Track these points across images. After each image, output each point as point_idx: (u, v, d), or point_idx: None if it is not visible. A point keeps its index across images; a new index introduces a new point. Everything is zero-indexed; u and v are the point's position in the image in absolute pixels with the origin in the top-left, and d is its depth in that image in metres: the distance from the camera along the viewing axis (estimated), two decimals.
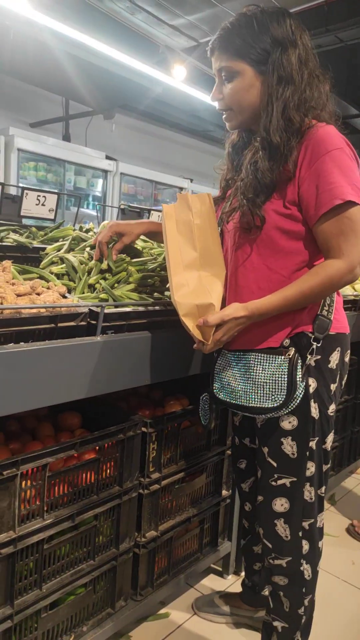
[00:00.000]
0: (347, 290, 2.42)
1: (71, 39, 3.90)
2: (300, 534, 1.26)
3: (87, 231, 1.86)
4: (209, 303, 1.12)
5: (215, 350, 1.28)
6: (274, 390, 1.16)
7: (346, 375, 1.31)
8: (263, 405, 1.17)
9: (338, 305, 1.26)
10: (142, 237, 1.94)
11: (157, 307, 1.35)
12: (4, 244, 1.64)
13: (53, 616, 1.23)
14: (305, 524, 1.26)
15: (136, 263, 1.52)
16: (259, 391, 1.17)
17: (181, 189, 7.22)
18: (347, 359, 1.28)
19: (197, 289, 1.14)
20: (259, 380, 1.18)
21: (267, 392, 1.16)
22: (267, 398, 1.16)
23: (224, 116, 1.24)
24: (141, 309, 1.31)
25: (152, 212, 2.70)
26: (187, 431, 1.54)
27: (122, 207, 2.65)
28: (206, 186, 7.08)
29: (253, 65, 1.14)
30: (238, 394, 1.21)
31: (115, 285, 1.43)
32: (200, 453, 1.60)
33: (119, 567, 1.38)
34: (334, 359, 1.23)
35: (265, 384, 1.17)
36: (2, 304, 1.09)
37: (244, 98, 1.18)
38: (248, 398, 1.19)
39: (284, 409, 1.16)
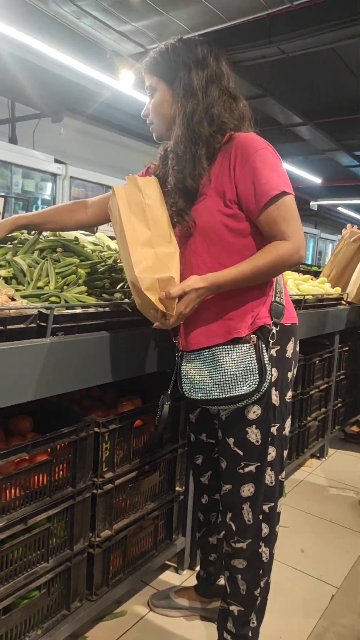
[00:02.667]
0: (292, 290, 2.52)
1: (16, 41, 3.85)
2: (260, 517, 1.33)
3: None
4: (169, 276, 1.16)
5: (177, 354, 1.33)
6: (246, 376, 1.22)
7: (297, 364, 1.41)
8: (240, 393, 1.23)
9: (286, 296, 1.36)
10: (92, 240, 1.95)
11: (107, 309, 1.37)
12: None
13: (6, 621, 1.22)
14: (265, 508, 1.33)
15: (86, 265, 1.53)
16: (233, 380, 1.23)
17: None
18: (297, 348, 1.39)
19: (156, 265, 1.18)
20: (231, 370, 1.23)
21: (241, 379, 1.22)
22: (243, 385, 1.22)
23: (150, 128, 1.37)
24: (91, 310, 1.33)
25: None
26: (140, 430, 1.57)
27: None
28: None
29: (167, 83, 1.28)
30: (212, 389, 1.26)
31: (65, 287, 1.44)
32: (153, 451, 1.63)
33: (73, 568, 1.39)
34: (290, 348, 1.33)
35: (237, 372, 1.23)
36: None
37: (159, 112, 1.31)
38: (223, 390, 1.24)
39: (257, 393, 1.23)
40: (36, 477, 1.26)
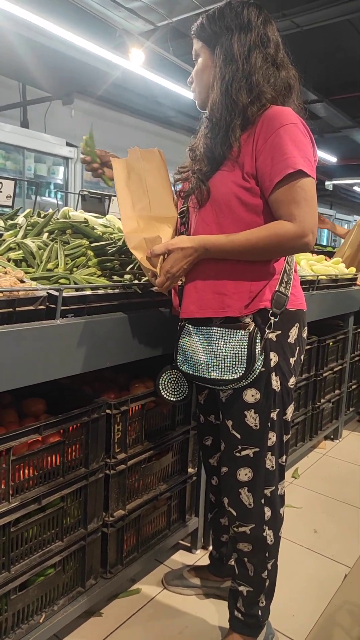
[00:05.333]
0: (305, 271, 2.49)
1: (25, 21, 3.79)
2: (262, 501, 1.32)
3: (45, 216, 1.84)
4: (155, 236, 1.17)
5: (179, 325, 1.32)
6: (234, 362, 1.20)
7: (304, 350, 1.38)
8: (223, 377, 1.21)
9: (296, 282, 1.32)
10: (102, 222, 1.94)
11: (116, 290, 1.37)
12: None
13: (23, 597, 1.25)
14: (267, 492, 1.32)
15: (95, 247, 1.52)
16: (220, 364, 1.22)
17: None
18: (304, 334, 1.35)
19: (147, 227, 1.20)
20: (221, 353, 1.22)
21: (228, 364, 1.21)
22: (228, 370, 1.21)
23: (193, 96, 1.34)
24: (100, 291, 1.32)
25: (112, 198, 2.68)
26: (152, 412, 1.57)
27: (82, 193, 2.62)
28: (169, 171, 7.06)
29: (209, 48, 1.24)
30: (201, 367, 1.25)
31: (75, 269, 1.43)
32: (165, 432, 1.64)
33: (87, 546, 1.41)
34: (293, 334, 1.29)
35: (226, 357, 1.21)
36: None
37: (201, 78, 1.28)
38: (209, 370, 1.23)
39: (243, 381, 1.21)
40: (49, 458, 1.28)
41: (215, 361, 1.23)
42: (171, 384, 1.37)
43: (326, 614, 1.61)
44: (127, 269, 1.51)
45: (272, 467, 1.31)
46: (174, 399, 1.38)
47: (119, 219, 2.10)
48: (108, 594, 1.54)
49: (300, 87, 1.28)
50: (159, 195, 1.24)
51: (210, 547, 1.72)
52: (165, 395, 1.37)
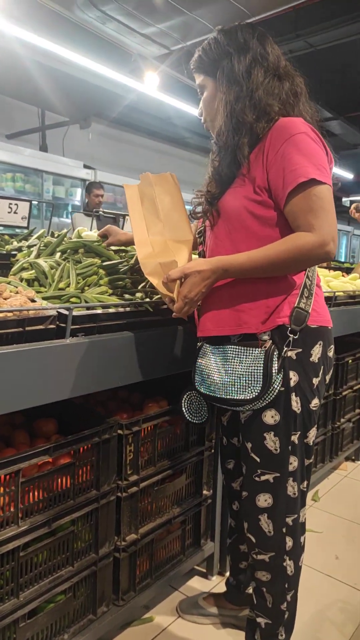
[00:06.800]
0: (323, 287, 2.44)
1: (43, 49, 3.92)
2: (283, 530, 1.26)
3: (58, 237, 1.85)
4: (171, 260, 1.14)
5: (197, 345, 1.30)
6: (249, 382, 1.17)
7: (331, 371, 1.31)
8: (239, 397, 1.18)
9: (319, 298, 1.27)
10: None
11: (128, 309, 1.35)
12: None
13: (32, 625, 1.22)
14: (289, 520, 1.26)
15: (107, 266, 1.52)
16: (236, 383, 1.18)
17: None
18: (330, 353, 1.28)
19: (162, 252, 1.17)
20: (237, 372, 1.19)
21: (244, 384, 1.17)
22: (244, 390, 1.17)
23: (205, 126, 1.33)
24: (111, 310, 1.31)
25: (127, 217, 2.70)
26: (165, 432, 1.54)
27: (97, 213, 2.65)
28: (185, 192, 7.13)
29: (212, 78, 1.25)
30: (216, 387, 1.23)
31: (86, 288, 1.43)
32: (179, 454, 1.60)
33: (99, 572, 1.37)
34: (316, 352, 1.22)
35: (242, 376, 1.18)
36: None
37: (211, 107, 1.28)
38: (226, 390, 1.20)
39: (260, 401, 1.17)
40: (59, 480, 1.25)
41: (230, 381, 1.19)
42: (193, 406, 1.34)
43: None
44: (139, 287, 1.50)
45: (294, 493, 1.25)
46: (196, 421, 1.35)
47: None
48: (120, 622, 1.49)
49: (308, 91, 1.27)
50: (173, 219, 1.23)
51: (227, 574, 1.66)
52: (188, 417, 1.35)
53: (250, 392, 1.16)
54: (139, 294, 1.47)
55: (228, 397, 1.20)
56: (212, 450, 1.69)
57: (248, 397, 1.17)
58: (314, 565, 1.92)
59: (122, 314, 1.33)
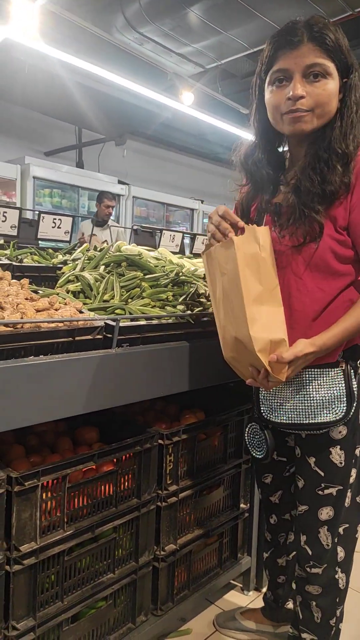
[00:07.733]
0: None
1: (83, 70, 4.07)
2: (336, 539, 1.26)
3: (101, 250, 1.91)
4: (281, 338, 1.12)
5: None
6: (333, 403, 1.17)
7: None
8: (325, 420, 1.17)
9: None
10: (154, 255, 1.99)
11: (170, 320, 1.39)
12: (23, 264, 1.70)
13: (75, 629, 1.24)
14: (341, 529, 1.26)
15: (149, 279, 1.56)
16: (319, 406, 1.18)
17: (192, 210, 7.33)
18: None
19: (267, 324, 1.12)
20: (317, 395, 1.18)
21: (327, 405, 1.17)
22: (328, 412, 1.17)
23: (296, 115, 1.11)
24: (154, 322, 1.34)
25: (164, 232, 2.75)
26: (203, 444, 1.55)
27: (134, 228, 2.71)
28: (214, 204, 7.21)
29: (340, 73, 1.11)
30: (295, 412, 1.21)
31: (129, 300, 1.47)
32: (217, 466, 1.61)
33: (138, 580, 1.38)
34: None
35: (324, 398, 1.17)
36: (22, 318, 1.13)
37: (331, 102, 1.11)
38: (307, 415, 1.19)
39: (343, 421, 1.17)
40: (103, 487, 1.28)
41: (311, 405, 1.18)
42: (255, 440, 1.31)
43: None
44: (180, 300, 1.54)
45: (348, 503, 1.26)
46: (260, 455, 1.30)
47: (172, 252, 2.15)
48: (158, 633, 1.49)
49: None
50: (269, 283, 1.15)
51: (264, 589, 1.64)
52: (252, 452, 1.32)
53: (335, 413, 1.16)
54: (180, 306, 1.50)
55: (312, 421, 1.18)
56: (250, 464, 1.69)
57: (334, 419, 1.16)
58: (353, 584, 1.87)
59: (164, 325, 1.37)
